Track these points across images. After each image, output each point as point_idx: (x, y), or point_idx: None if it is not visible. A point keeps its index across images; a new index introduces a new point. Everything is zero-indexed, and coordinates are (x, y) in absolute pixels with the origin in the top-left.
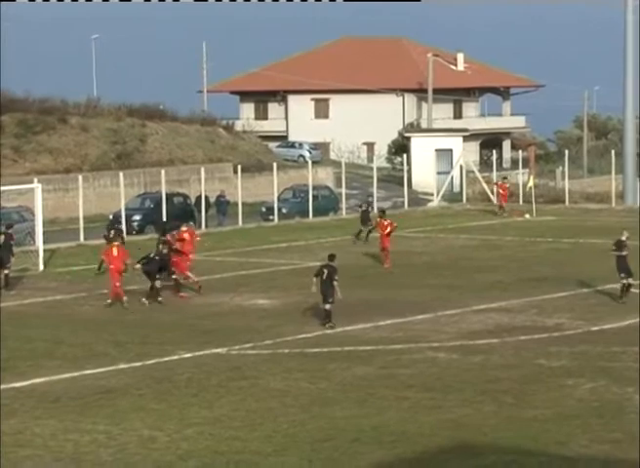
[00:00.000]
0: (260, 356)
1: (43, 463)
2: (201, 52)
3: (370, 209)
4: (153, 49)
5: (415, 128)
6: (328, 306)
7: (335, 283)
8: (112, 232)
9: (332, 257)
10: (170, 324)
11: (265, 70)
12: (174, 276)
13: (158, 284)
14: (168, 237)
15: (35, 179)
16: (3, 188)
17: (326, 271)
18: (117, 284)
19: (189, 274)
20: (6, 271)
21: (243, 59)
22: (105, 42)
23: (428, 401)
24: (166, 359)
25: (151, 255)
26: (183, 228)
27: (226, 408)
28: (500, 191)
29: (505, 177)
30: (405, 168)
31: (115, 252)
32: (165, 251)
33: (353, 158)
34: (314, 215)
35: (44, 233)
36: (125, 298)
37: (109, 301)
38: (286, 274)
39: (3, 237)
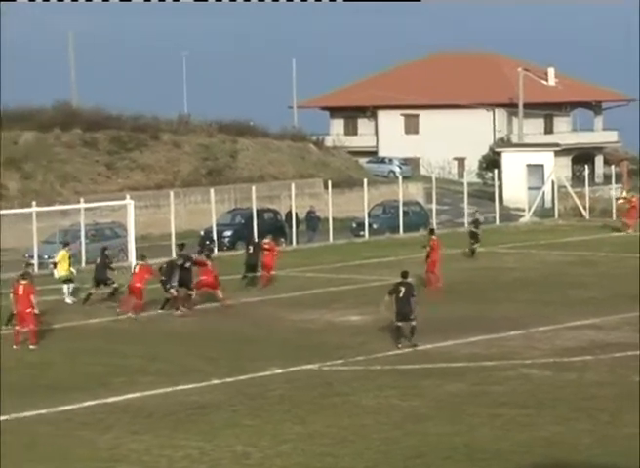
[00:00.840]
0: (352, 372)
1: None
2: (291, 68)
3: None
4: (244, 65)
5: (505, 143)
6: (414, 323)
7: (413, 300)
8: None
9: (405, 275)
10: (262, 339)
11: (355, 86)
12: (191, 292)
13: (173, 292)
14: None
15: (127, 196)
16: (97, 204)
17: (403, 289)
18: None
19: (219, 292)
20: (110, 288)
21: (333, 75)
22: (196, 59)
23: (522, 418)
24: (259, 375)
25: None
26: (266, 240)
27: (319, 424)
28: (628, 206)
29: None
30: (496, 183)
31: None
32: (185, 265)
33: (444, 173)
34: (405, 231)
35: (136, 249)
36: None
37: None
38: (377, 290)
39: (99, 257)
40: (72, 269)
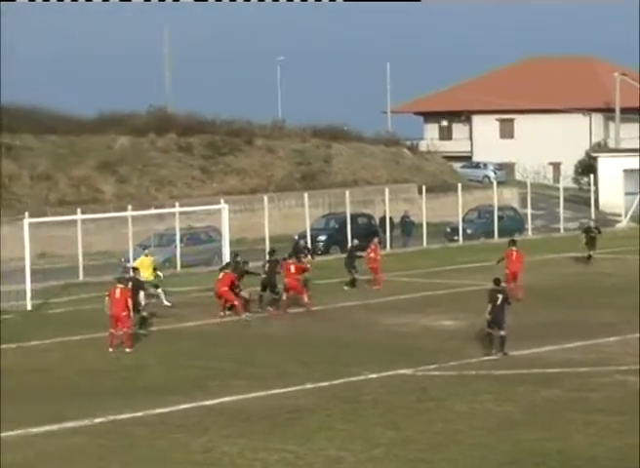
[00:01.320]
0: (446, 377)
1: None
2: (385, 72)
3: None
4: (337, 70)
5: (602, 148)
6: (503, 333)
7: (507, 308)
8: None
9: (497, 282)
10: (357, 344)
11: (450, 91)
12: (276, 295)
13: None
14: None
15: (222, 200)
16: (192, 209)
17: (500, 296)
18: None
19: (304, 296)
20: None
21: (427, 80)
22: (291, 63)
23: (617, 425)
24: (353, 379)
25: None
26: (372, 246)
27: (412, 429)
28: None
29: None
30: (592, 188)
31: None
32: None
33: (539, 178)
34: (499, 236)
35: (231, 253)
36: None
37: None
38: (471, 295)
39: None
40: (159, 273)
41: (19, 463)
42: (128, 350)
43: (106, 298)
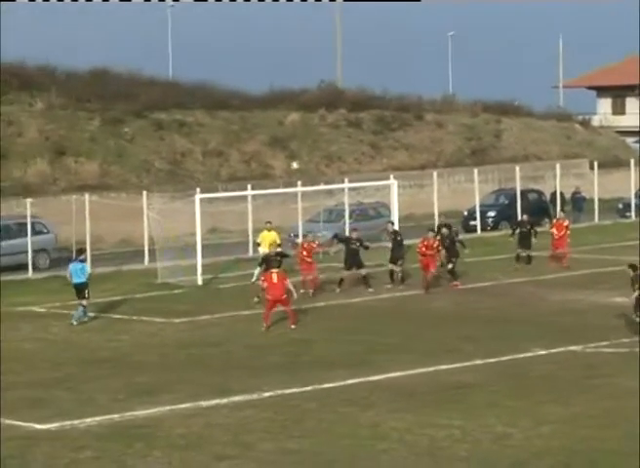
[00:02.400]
0: (616, 354)
1: (400, 457)
2: (557, 46)
3: None
4: (508, 45)
5: None
6: None
7: None
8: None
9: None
10: (524, 320)
11: (623, 64)
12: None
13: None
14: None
15: (391, 176)
16: (361, 185)
17: None
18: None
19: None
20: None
21: (599, 54)
22: (461, 38)
23: None
24: (521, 355)
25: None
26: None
27: (581, 406)
28: None
29: None
30: None
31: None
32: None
33: None
34: None
35: (399, 229)
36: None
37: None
38: None
39: (392, 236)
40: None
41: (189, 434)
42: (292, 327)
43: (263, 283)
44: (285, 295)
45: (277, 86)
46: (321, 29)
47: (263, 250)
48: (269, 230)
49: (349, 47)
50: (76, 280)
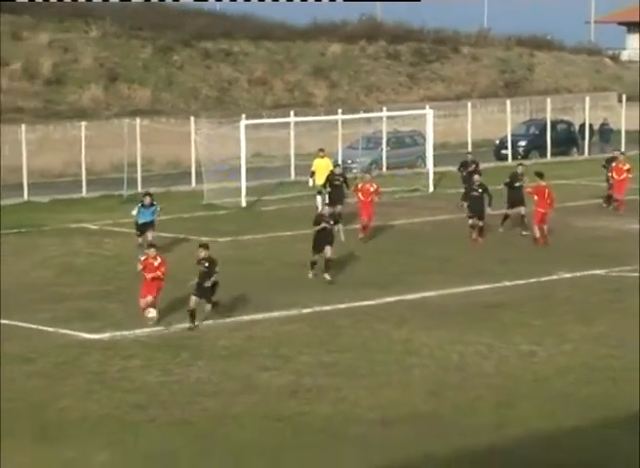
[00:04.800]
0: (638, 279)
1: (430, 371)
2: None
3: None
4: None
5: None
6: None
7: None
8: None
9: None
10: (551, 245)
11: None
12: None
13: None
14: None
15: (427, 106)
16: (398, 113)
17: None
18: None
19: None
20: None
21: None
22: None
23: None
24: (547, 278)
25: None
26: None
27: (603, 326)
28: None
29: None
30: None
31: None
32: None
33: None
34: None
35: (434, 156)
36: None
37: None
38: None
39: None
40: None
41: (232, 346)
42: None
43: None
44: None
45: (319, 18)
46: None
47: (319, 180)
48: (322, 157)
49: None
50: (143, 219)
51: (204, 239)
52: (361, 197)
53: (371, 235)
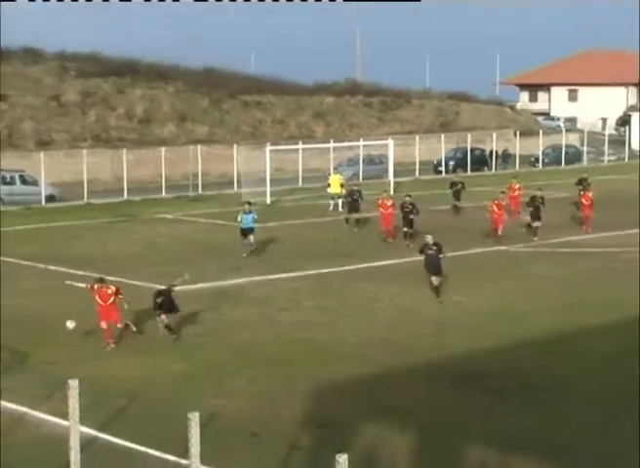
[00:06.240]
0: (529, 253)
1: (389, 312)
2: (496, 60)
3: None
4: (471, 53)
5: (634, 108)
6: None
7: None
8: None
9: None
10: (466, 228)
11: (536, 71)
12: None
13: None
14: None
15: (389, 138)
16: (370, 143)
17: None
18: None
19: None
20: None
21: (523, 61)
22: (435, 45)
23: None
24: (466, 252)
25: None
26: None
27: (506, 284)
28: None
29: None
30: (626, 135)
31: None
32: None
33: (592, 128)
34: (565, 164)
35: (394, 171)
36: None
37: None
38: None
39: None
40: (343, 190)
41: (261, 296)
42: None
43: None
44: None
45: (319, 79)
46: (349, 37)
47: (333, 190)
48: (335, 174)
49: (366, 53)
50: (246, 224)
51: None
52: (382, 210)
53: (395, 236)
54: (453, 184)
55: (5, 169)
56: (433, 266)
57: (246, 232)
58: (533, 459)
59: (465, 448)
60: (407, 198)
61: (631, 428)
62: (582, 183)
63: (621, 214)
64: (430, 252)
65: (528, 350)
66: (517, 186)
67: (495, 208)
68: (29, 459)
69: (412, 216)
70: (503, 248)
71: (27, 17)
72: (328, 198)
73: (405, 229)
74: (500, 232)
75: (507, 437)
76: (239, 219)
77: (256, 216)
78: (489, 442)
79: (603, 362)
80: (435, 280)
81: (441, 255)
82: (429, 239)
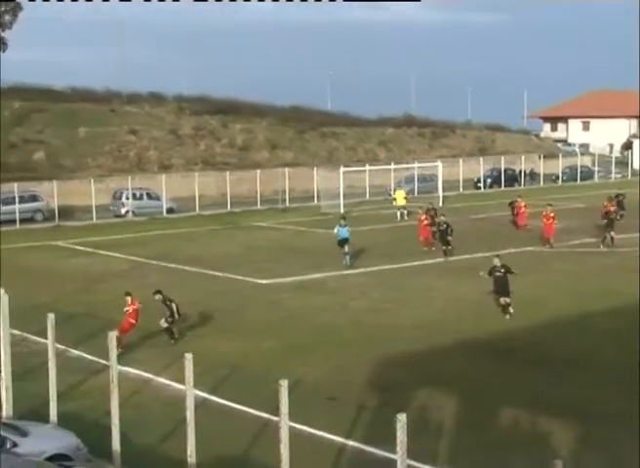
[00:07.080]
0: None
1: (440, 300)
2: (523, 96)
3: None
4: (502, 90)
5: (636, 136)
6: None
7: None
8: None
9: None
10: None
11: (555, 106)
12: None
13: None
14: None
15: (438, 160)
16: (423, 165)
17: None
18: None
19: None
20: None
21: (548, 98)
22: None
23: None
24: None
25: None
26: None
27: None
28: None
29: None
30: (630, 157)
31: None
32: None
33: (602, 151)
34: (581, 180)
35: (442, 187)
36: None
37: None
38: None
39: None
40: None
41: (335, 287)
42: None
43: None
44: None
45: (382, 113)
46: (406, 78)
47: (399, 202)
48: (398, 189)
49: (423, 88)
50: (342, 236)
51: (319, 231)
52: (420, 223)
53: (431, 245)
54: (511, 203)
55: (135, 187)
56: (502, 288)
57: (342, 242)
58: (559, 419)
59: (501, 409)
60: (442, 217)
61: None
62: (619, 197)
63: (630, 219)
64: (498, 274)
65: (551, 329)
66: (523, 204)
67: (544, 219)
68: (153, 416)
69: (449, 238)
70: (546, 248)
71: (149, 64)
72: (389, 209)
73: (443, 248)
74: (550, 239)
75: (536, 400)
76: (336, 232)
77: (349, 229)
78: (521, 404)
79: (611, 337)
80: (503, 300)
81: (513, 273)
82: (497, 261)
